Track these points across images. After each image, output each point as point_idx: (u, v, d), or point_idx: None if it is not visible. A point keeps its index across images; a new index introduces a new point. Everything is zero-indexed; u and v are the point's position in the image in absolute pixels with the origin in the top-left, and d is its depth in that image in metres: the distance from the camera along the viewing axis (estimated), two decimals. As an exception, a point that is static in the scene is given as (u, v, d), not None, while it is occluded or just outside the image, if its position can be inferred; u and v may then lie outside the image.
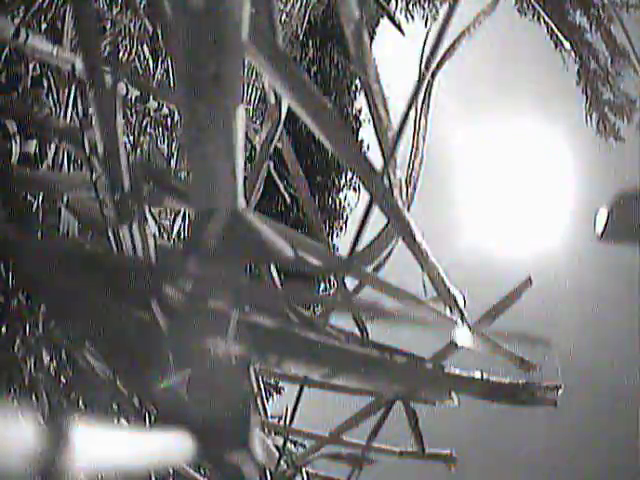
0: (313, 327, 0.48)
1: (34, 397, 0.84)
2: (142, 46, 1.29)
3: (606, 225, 0.45)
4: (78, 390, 0.87)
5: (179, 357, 0.34)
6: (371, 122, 0.49)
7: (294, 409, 0.55)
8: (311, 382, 0.54)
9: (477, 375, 0.47)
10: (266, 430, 0.71)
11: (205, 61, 0.27)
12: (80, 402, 0.87)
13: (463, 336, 0.39)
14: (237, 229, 0.33)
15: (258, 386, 0.69)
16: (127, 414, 0.73)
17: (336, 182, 6.78)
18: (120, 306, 0.33)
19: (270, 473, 0.61)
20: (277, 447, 0.66)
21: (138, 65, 1.30)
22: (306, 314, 0.54)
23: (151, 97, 1.21)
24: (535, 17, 6.08)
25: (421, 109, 0.65)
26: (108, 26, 1.15)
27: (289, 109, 0.53)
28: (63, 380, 0.91)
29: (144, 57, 1.31)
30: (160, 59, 1.33)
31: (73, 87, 0.88)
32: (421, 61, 0.51)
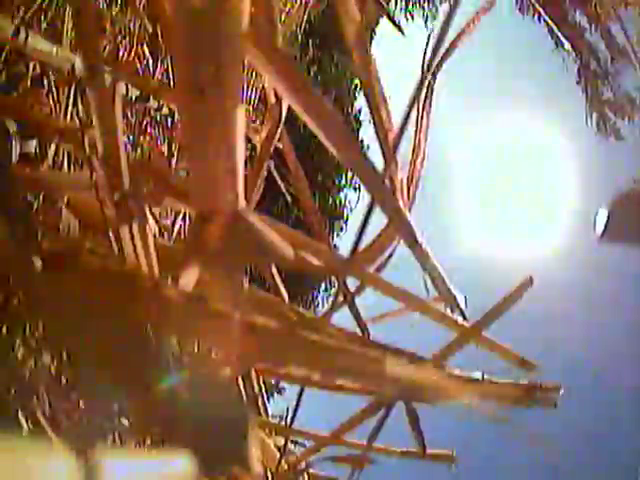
0: (314, 327, 0.48)
1: (34, 397, 0.84)
2: (142, 46, 1.29)
3: (606, 225, 0.45)
4: (78, 390, 0.87)
5: (179, 359, 0.34)
6: (371, 122, 0.49)
7: (295, 409, 0.55)
8: (312, 382, 0.54)
9: (477, 375, 0.47)
10: (267, 430, 0.71)
11: (205, 61, 0.27)
12: (80, 403, 0.87)
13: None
14: (237, 229, 0.33)
15: (259, 386, 0.69)
16: (126, 415, 0.73)
17: (336, 182, 6.78)
18: (119, 307, 0.33)
19: (271, 473, 0.61)
20: (278, 447, 0.66)
21: (138, 65, 1.30)
22: (307, 314, 0.54)
23: (151, 97, 1.21)
24: (535, 17, 6.08)
25: (422, 109, 0.65)
26: (108, 26, 1.15)
27: (289, 109, 0.53)
28: (63, 380, 0.90)
29: (144, 57, 1.31)
30: (160, 59, 1.33)
31: (73, 87, 0.88)
32: (423, 62, 0.51)
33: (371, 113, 0.48)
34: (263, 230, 0.35)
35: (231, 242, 0.34)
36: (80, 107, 0.89)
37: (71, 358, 0.86)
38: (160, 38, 1.25)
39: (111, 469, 0.22)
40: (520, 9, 6.21)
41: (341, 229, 6.94)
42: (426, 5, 6.85)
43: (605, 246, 0.45)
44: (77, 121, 0.87)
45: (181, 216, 1.15)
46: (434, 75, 0.63)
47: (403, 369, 0.36)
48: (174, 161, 1.38)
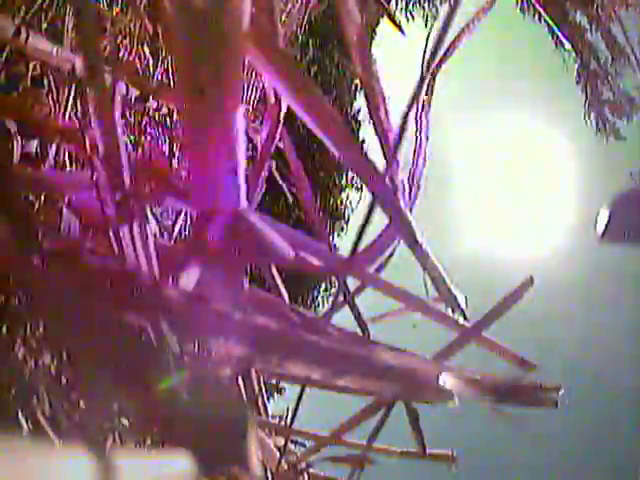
0: (314, 328, 0.48)
1: (34, 397, 0.84)
2: (142, 46, 1.29)
3: (607, 225, 0.45)
4: (78, 390, 0.87)
5: (179, 359, 0.34)
6: (371, 122, 0.49)
7: (295, 409, 0.55)
8: (312, 382, 0.54)
9: (477, 375, 0.46)
10: (267, 430, 0.71)
11: (205, 61, 0.27)
12: (80, 402, 0.87)
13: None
14: (238, 229, 0.33)
15: (259, 386, 0.69)
16: (127, 415, 0.73)
17: (337, 182, 6.78)
18: (119, 307, 0.33)
19: (271, 473, 0.61)
20: (278, 447, 0.66)
21: (138, 65, 1.30)
22: (308, 314, 0.54)
23: (151, 97, 1.20)
24: (535, 17, 6.08)
25: (422, 109, 0.65)
26: (108, 26, 1.15)
27: (289, 109, 0.53)
28: (63, 380, 0.90)
29: (144, 57, 1.31)
30: (160, 59, 1.33)
31: (73, 87, 0.88)
32: (422, 62, 0.51)
33: (370, 113, 0.48)
34: (263, 230, 0.35)
35: (232, 242, 0.34)
36: (80, 107, 0.89)
37: (71, 358, 0.86)
38: (160, 38, 1.25)
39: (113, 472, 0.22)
40: (521, 9, 6.21)
41: (341, 229, 6.94)
42: (426, 5, 6.84)
43: (605, 246, 0.45)
44: (77, 121, 0.86)
45: (181, 216, 1.15)
46: (434, 75, 0.63)
47: (402, 368, 0.36)
48: (174, 161, 1.37)
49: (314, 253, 0.47)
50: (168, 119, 1.40)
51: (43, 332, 0.84)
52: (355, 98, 6.97)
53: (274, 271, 0.65)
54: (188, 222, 1.16)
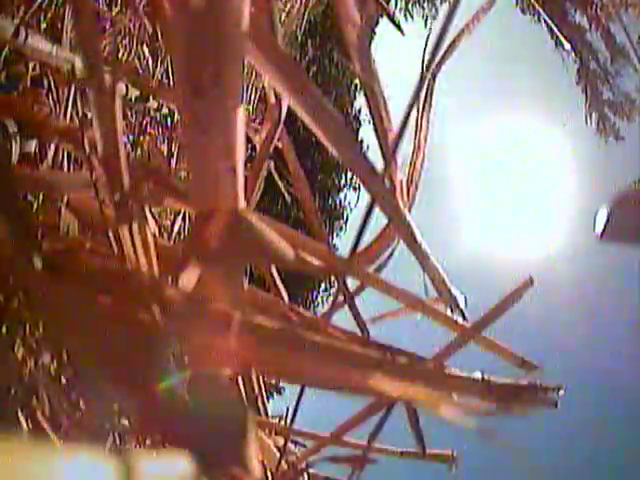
0: (314, 327, 0.48)
1: (34, 397, 0.84)
2: (142, 46, 1.29)
3: (606, 225, 0.45)
4: (78, 390, 0.87)
5: (179, 359, 0.34)
6: (371, 122, 0.49)
7: (295, 409, 0.55)
8: (312, 382, 0.54)
9: (477, 375, 0.46)
10: (267, 430, 0.71)
11: (205, 61, 0.27)
12: (80, 403, 0.87)
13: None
14: (237, 229, 0.33)
15: (259, 386, 0.69)
16: (126, 415, 0.73)
17: (336, 182, 6.78)
18: (119, 307, 0.33)
19: (271, 473, 0.61)
20: (278, 447, 0.66)
21: (138, 65, 1.30)
22: (307, 314, 0.54)
23: (151, 97, 1.21)
24: (535, 17, 6.09)
25: (422, 109, 0.65)
26: (108, 26, 1.15)
27: (289, 109, 0.53)
28: (63, 380, 0.90)
29: (144, 57, 1.31)
30: (160, 59, 1.33)
31: (73, 87, 0.88)
32: (422, 62, 0.51)
33: (371, 113, 0.48)
34: (263, 230, 0.35)
35: (231, 242, 0.34)
36: (80, 107, 0.89)
37: (71, 358, 0.86)
38: (160, 38, 1.25)
39: (110, 469, 0.22)
40: (521, 9, 6.22)
41: (341, 229, 6.94)
42: (426, 5, 6.85)
43: (605, 246, 0.45)
44: (77, 121, 0.87)
45: (181, 216, 1.15)
46: (434, 75, 0.63)
47: (403, 369, 0.36)
48: (174, 161, 1.37)
49: (313, 253, 0.47)
50: (168, 119, 1.40)
51: (43, 332, 0.84)
52: (355, 98, 6.97)
53: (274, 271, 0.65)
54: (187, 222, 1.16)
